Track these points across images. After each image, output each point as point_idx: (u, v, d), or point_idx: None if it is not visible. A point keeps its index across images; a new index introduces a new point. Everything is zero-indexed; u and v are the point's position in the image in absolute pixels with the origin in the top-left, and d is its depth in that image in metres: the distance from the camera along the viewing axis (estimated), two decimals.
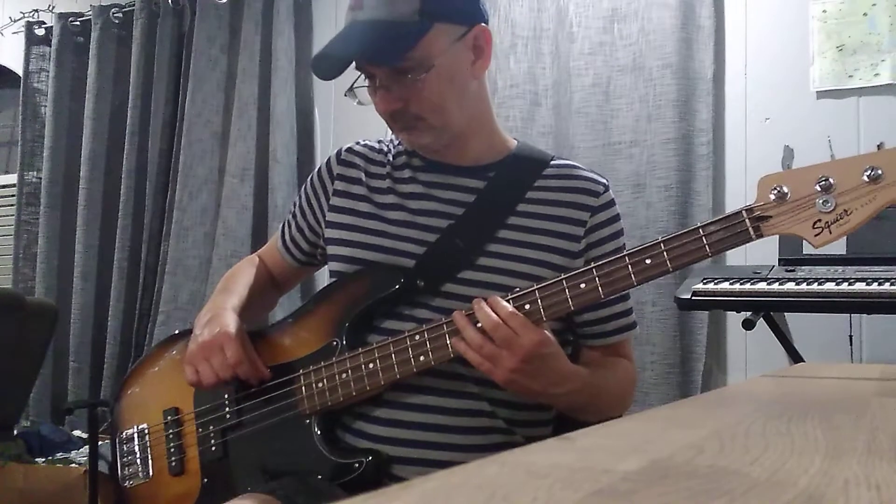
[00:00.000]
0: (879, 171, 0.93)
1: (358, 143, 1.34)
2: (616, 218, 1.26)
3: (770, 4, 2.62)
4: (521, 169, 1.25)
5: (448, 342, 1.10)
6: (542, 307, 1.07)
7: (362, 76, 1.19)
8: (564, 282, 1.07)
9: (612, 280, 1.05)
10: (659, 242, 1.03)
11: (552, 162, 1.27)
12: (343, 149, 1.33)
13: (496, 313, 1.06)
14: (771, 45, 2.61)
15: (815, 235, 0.96)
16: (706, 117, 2.59)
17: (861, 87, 2.46)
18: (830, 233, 0.95)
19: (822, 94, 2.51)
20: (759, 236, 0.99)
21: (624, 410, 1.26)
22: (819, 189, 0.95)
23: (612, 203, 1.26)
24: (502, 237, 1.20)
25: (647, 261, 1.03)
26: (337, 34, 1.16)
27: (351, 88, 1.20)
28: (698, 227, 1.01)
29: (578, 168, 1.28)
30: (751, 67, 2.63)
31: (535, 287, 1.08)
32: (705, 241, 1.01)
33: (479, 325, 1.07)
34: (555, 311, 1.08)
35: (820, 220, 0.96)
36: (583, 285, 1.06)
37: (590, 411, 1.17)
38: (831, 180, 0.95)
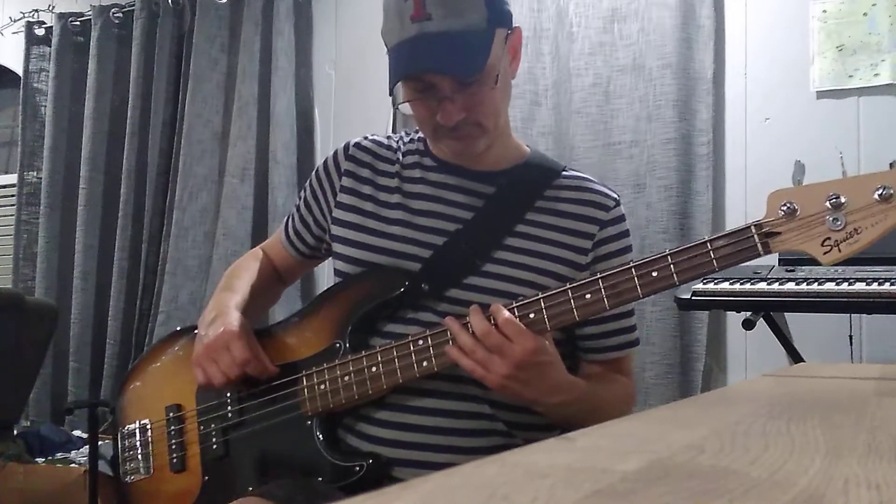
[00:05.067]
0: (891, 191, 0.92)
1: (366, 139, 1.31)
2: (625, 234, 1.25)
3: (770, 4, 2.62)
4: (532, 177, 1.24)
5: None
6: (546, 317, 1.06)
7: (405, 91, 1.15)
8: (570, 292, 1.06)
9: (618, 291, 1.04)
10: (666, 255, 1.02)
11: (564, 173, 1.26)
12: (351, 143, 1.31)
13: (494, 320, 1.05)
14: (771, 45, 2.61)
15: (825, 253, 0.95)
16: (706, 117, 2.59)
17: (861, 87, 2.46)
18: (840, 251, 0.95)
19: (822, 94, 2.51)
20: (768, 252, 0.99)
21: None
22: (829, 206, 0.94)
23: (622, 218, 1.25)
24: (509, 244, 1.19)
25: (654, 273, 1.02)
26: (404, 46, 1.10)
27: (402, 101, 1.16)
28: (706, 241, 1.01)
29: (590, 181, 1.27)
30: (751, 67, 2.62)
31: (541, 296, 1.07)
32: (713, 256, 1.00)
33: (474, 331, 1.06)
34: (559, 322, 1.07)
35: (829, 238, 0.95)
36: (588, 296, 1.05)
37: (584, 425, 1.16)
38: (842, 198, 0.94)
